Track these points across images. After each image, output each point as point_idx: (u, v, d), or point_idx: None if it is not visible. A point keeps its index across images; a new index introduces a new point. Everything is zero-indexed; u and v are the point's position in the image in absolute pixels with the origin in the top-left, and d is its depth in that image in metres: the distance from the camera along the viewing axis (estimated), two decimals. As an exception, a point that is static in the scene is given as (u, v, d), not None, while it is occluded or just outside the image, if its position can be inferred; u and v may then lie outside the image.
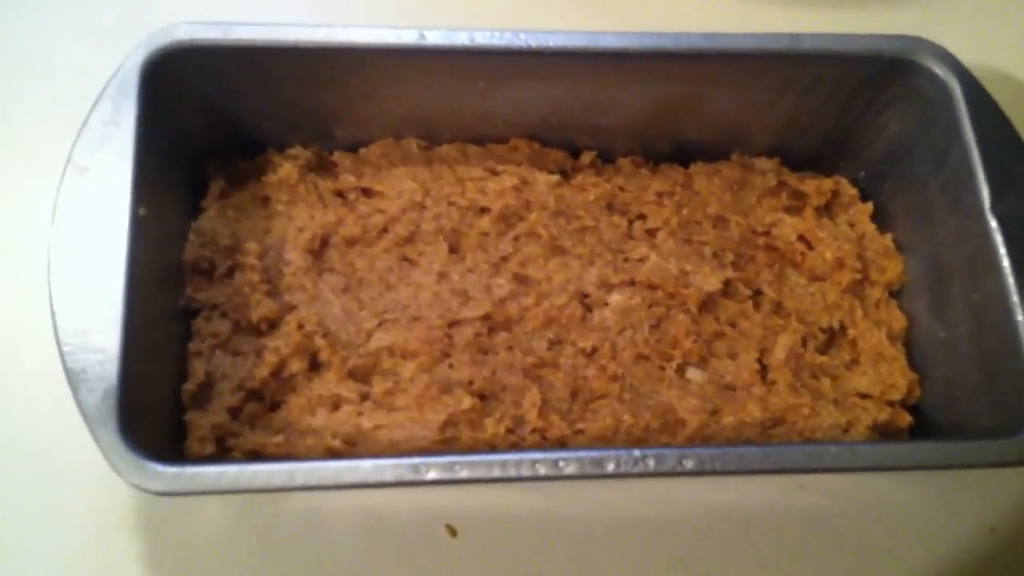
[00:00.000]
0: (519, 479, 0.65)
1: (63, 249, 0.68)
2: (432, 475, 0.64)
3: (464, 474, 0.64)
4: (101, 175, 0.70)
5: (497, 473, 0.65)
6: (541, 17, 1.03)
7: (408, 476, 0.64)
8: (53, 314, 0.66)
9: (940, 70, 0.79)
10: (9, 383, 0.81)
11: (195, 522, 0.78)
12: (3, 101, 0.93)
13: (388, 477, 0.64)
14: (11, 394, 0.80)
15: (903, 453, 0.70)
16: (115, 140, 0.71)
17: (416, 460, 0.64)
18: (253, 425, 0.76)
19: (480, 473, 0.65)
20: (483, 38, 0.77)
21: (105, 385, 0.64)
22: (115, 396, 0.64)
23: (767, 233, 0.89)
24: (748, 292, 0.86)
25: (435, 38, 0.77)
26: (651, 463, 0.66)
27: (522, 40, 0.77)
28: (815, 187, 0.90)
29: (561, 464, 0.65)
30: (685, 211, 0.88)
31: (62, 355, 0.65)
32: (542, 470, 0.65)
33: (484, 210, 0.85)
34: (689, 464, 0.66)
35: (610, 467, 0.65)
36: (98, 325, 0.66)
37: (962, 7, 1.07)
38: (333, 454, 0.74)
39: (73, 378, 0.64)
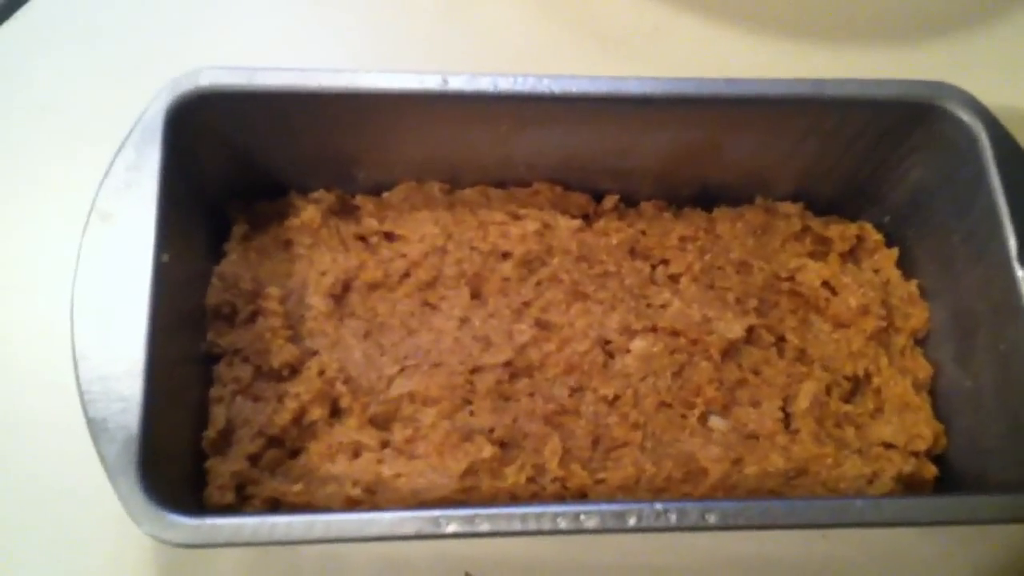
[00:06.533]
0: (539, 532, 0.64)
1: (86, 296, 0.68)
2: (452, 528, 0.63)
3: (484, 527, 0.64)
4: (125, 221, 0.70)
5: (517, 527, 0.64)
6: (564, 61, 1.02)
7: (428, 529, 0.63)
8: (75, 362, 0.66)
9: (966, 116, 0.78)
10: (31, 428, 0.80)
11: (213, 569, 0.77)
12: (28, 146, 0.93)
13: (408, 530, 0.63)
14: (32, 438, 0.80)
15: (927, 508, 0.68)
16: (139, 186, 0.70)
17: (436, 513, 0.63)
18: (273, 472, 0.75)
19: (500, 526, 0.64)
20: (506, 84, 0.76)
21: (126, 434, 0.63)
22: (136, 445, 0.63)
23: (791, 279, 0.87)
24: (771, 339, 0.85)
25: (458, 83, 0.76)
26: (673, 517, 0.64)
27: (545, 86, 0.77)
28: (839, 232, 0.89)
29: (582, 518, 0.64)
30: (708, 256, 0.87)
31: (83, 403, 0.64)
32: (563, 524, 0.64)
33: (506, 255, 0.85)
34: (712, 519, 0.65)
35: (631, 521, 0.64)
36: (120, 371, 0.65)
37: (990, 47, 1.06)
38: (353, 502, 0.73)
39: (94, 427, 0.63)
